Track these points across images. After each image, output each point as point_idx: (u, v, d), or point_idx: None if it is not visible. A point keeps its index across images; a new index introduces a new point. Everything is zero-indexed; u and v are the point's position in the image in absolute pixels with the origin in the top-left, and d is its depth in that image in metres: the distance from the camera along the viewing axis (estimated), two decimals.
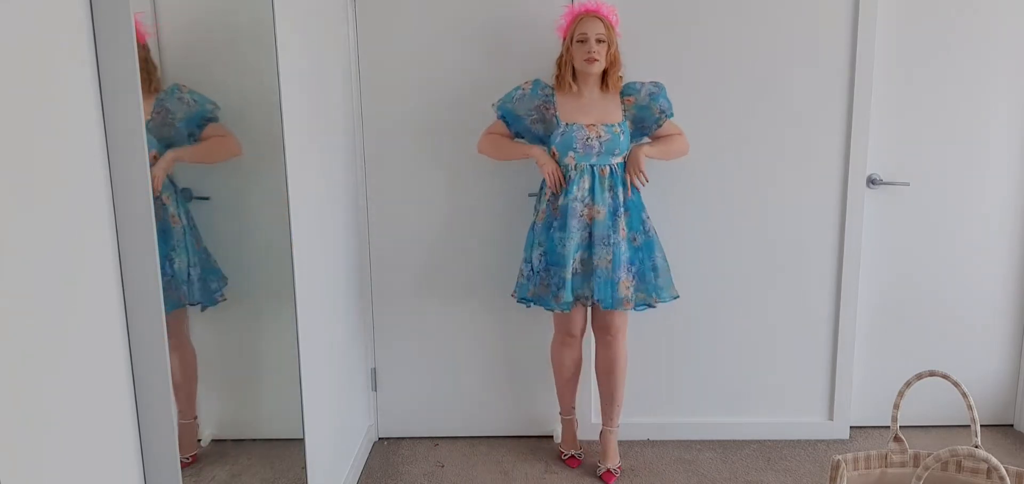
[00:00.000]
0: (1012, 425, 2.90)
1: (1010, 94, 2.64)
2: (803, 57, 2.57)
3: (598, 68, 2.30)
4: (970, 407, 1.64)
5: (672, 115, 2.42)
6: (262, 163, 1.87)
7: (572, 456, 2.64)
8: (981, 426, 2.76)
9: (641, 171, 2.34)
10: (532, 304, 2.44)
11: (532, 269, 2.39)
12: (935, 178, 2.69)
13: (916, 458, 1.73)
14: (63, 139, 1.10)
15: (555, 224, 2.34)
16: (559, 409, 2.69)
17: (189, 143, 1.57)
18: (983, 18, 2.59)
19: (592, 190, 2.31)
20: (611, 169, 2.32)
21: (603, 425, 2.59)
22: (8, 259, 0.97)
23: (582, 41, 2.28)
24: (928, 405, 2.79)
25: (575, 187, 2.31)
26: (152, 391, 1.30)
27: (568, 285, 2.32)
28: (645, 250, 2.36)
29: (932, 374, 1.68)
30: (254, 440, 1.90)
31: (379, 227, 2.74)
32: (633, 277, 2.35)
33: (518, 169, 2.61)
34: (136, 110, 1.20)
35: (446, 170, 2.68)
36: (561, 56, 2.36)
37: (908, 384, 1.71)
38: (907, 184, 2.69)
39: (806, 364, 2.79)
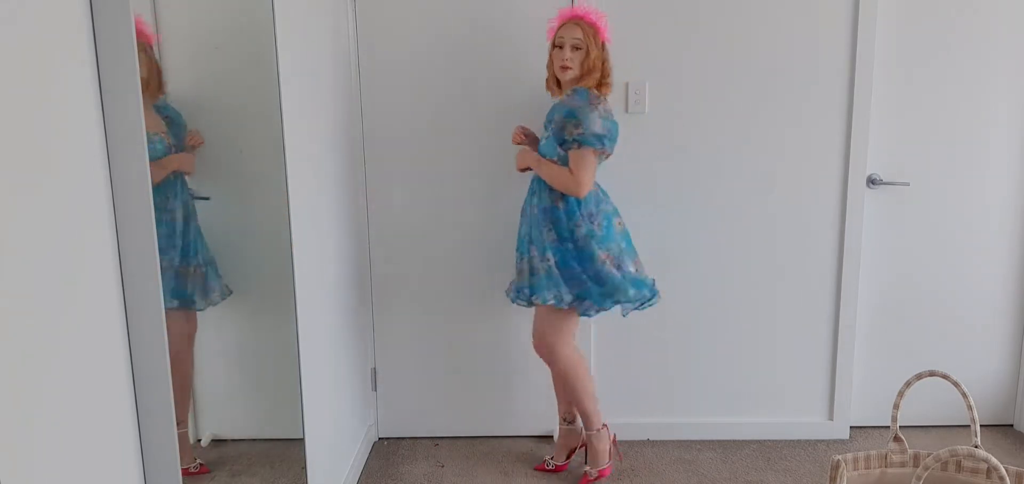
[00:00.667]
0: (1012, 425, 2.90)
1: (1010, 94, 2.64)
2: (803, 57, 2.57)
3: (570, 75, 2.24)
4: (970, 407, 1.64)
5: (592, 144, 2.19)
6: (262, 163, 1.87)
7: (543, 461, 2.63)
8: (981, 426, 2.76)
9: (519, 159, 2.37)
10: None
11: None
12: (935, 178, 2.69)
13: (916, 458, 1.73)
14: (63, 139, 1.10)
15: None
16: None
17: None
18: (983, 18, 2.59)
19: (529, 190, 2.37)
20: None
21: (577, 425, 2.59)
22: (8, 259, 0.97)
23: (559, 46, 2.24)
24: (928, 405, 2.79)
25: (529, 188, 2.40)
26: (152, 391, 1.30)
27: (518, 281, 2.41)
28: (576, 258, 2.27)
29: (932, 374, 1.68)
30: (254, 440, 1.90)
31: (379, 227, 2.74)
32: (563, 281, 2.28)
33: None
34: (136, 110, 1.20)
35: (446, 170, 2.68)
36: (548, 66, 2.36)
37: (908, 384, 1.71)
38: (907, 184, 2.69)
39: (806, 364, 2.79)
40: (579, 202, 2.27)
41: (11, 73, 0.98)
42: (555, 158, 2.26)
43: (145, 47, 1.38)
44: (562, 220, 2.28)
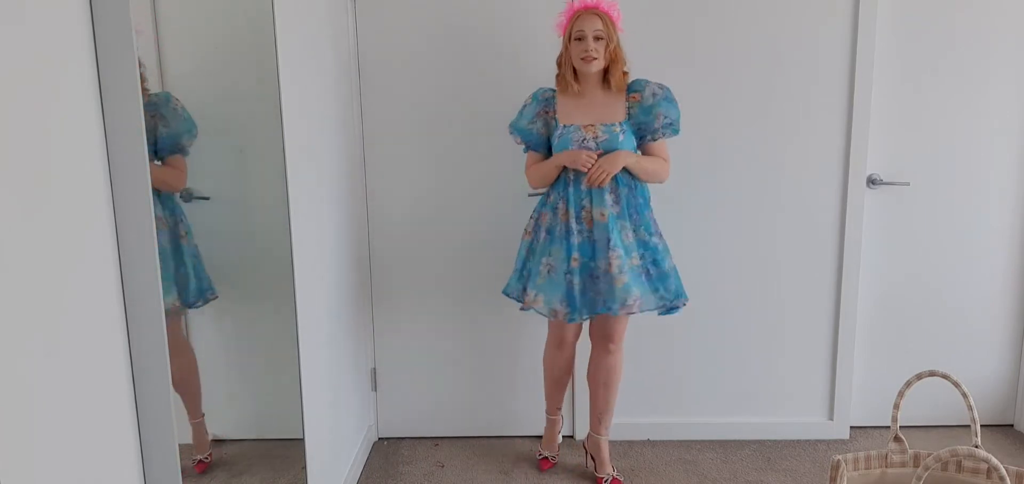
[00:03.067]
0: (1012, 425, 2.90)
1: (1010, 94, 2.64)
2: (803, 57, 2.57)
3: (596, 67, 2.22)
4: (970, 407, 1.64)
5: (678, 132, 2.28)
6: (262, 163, 1.87)
7: (545, 457, 2.62)
8: (981, 426, 2.76)
9: (603, 172, 2.18)
10: (526, 310, 2.34)
11: (532, 272, 2.31)
12: (935, 178, 2.69)
13: (916, 458, 1.73)
14: (63, 139, 1.10)
15: (562, 230, 2.25)
16: (545, 408, 2.65)
17: (154, 161, 1.54)
18: (983, 18, 2.59)
19: (591, 193, 2.24)
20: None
21: (596, 433, 2.51)
22: (8, 259, 0.97)
23: (580, 39, 2.21)
24: (928, 405, 2.79)
25: (575, 190, 2.24)
26: (152, 391, 1.30)
27: (574, 295, 2.22)
28: (654, 251, 2.27)
29: (932, 374, 1.68)
30: (254, 440, 1.90)
31: (379, 227, 2.74)
32: (644, 280, 2.24)
33: (518, 170, 2.60)
34: (136, 110, 1.20)
35: (446, 170, 2.68)
36: (561, 55, 2.31)
37: (908, 384, 1.71)
38: (907, 184, 2.69)
39: (806, 364, 2.79)
40: (648, 195, 2.35)
41: (11, 73, 0.98)
42: (631, 150, 2.29)
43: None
44: (641, 214, 2.29)
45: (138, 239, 1.24)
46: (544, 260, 2.28)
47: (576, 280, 2.23)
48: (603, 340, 2.41)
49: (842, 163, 2.63)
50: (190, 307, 1.66)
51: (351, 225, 2.60)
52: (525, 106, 2.37)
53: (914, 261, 2.76)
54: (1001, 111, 2.65)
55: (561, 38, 2.31)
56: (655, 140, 2.29)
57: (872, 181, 2.69)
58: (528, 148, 2.39)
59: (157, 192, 1.52)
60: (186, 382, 1.60)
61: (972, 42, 2.60)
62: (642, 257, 2.26)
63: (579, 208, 2.25)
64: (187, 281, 1.61)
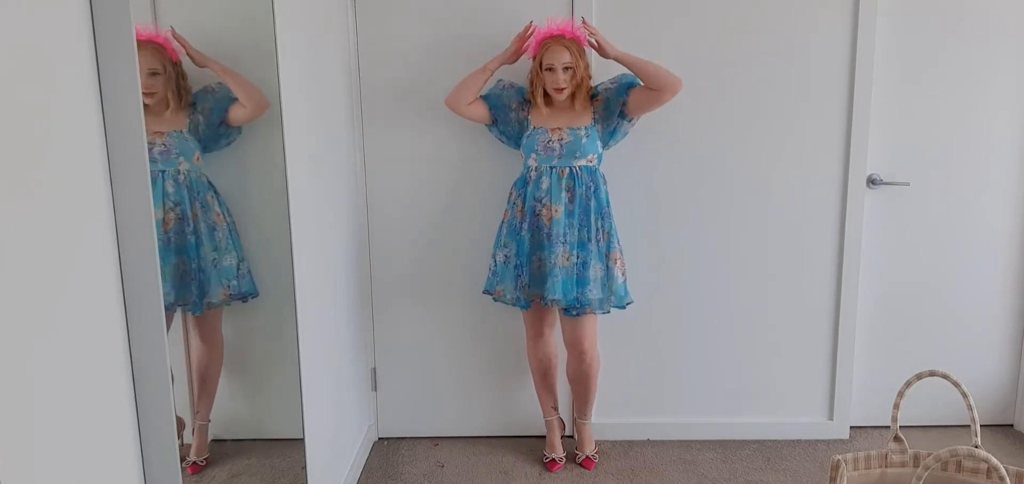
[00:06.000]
0: (1012, 425, 2.90)
1: (1010, 94, 2.64)
2: (803, 57, 2.57)
3: (565, 95, 2.36)
4: (970, 407, 1.64)
5: (635, 80, 2.38)
6: (262, 163, 1.87)
7: (553, 460, 2.63)
8: (981, 426, 2.76)
9: (593, 31, 2.33)
10: (496, 301, 2.51)
11: (496, 265, 2.47)
12: (935, 178, 2.69)
13: (916, 458, 1.73)
14: (63, 139, 1.10)
15: (517, 225, 2.42)
16: (541, 409, 2.72)
17: (221, 129, 1.62)
18: (983, 18, 2.59)
19: (550, 191, 2.36)
20: (571, 171, 2.36)
21: (579, 418, 2.67)
22: (7, 259, 0.97)
23: (550, 70, 2.32)
24: (928, 405, 2.79)
25: (534, 188, 2.38)
26: (152, 391, 1.30)
27: (522, 284, 2.42)
28: (586, 254, 2.37)
29: (932, 374, 1.68)
30: (254, 440, 1.90)
31: (379, 227, 2.74)
32: (569, 280, 2.37)
33: (518, 170, 2.60)
34: (136, 110, 1.20)
35: (447, 170, 2.68)
36: (531, 79, 2.41)
37: (908, 384, 1.71)
38: (907, 184, 2.69)
39: (806, 364, 2.79)
40: (607, 199, 2.42)
41: (11, 73, 0.98)
42: (594, 154, 2.37)
43: (167, 62, 1.43)
44: (594, 215, 2.38)
45: (138, 239, 1.24)
46: (503, 253, 2.45)
47: (524, 271, 2.41)
48: (573, 348, 2.52)
49: (842, 163, 2.63)
50: (243, 299, 1.70)
51: (351, 225, 2.60)
52: (507, 87, 2.50)
53: (914, 261, 2.76)
54: (1001, 111, 2.65)
55: (531, 60, 2.40)
56: (630, 91, 2.39)
57: (872, 181, 2.68)
58: (486, 100, 2.48)
59: (216, 193, 1.58)
60: (209, 374, 1.63)
61: (972, 42, 2.60)
62: (577, 258, 2.37)
63: (534, 205, 2.38)
64: (241, 276, 1.66)
